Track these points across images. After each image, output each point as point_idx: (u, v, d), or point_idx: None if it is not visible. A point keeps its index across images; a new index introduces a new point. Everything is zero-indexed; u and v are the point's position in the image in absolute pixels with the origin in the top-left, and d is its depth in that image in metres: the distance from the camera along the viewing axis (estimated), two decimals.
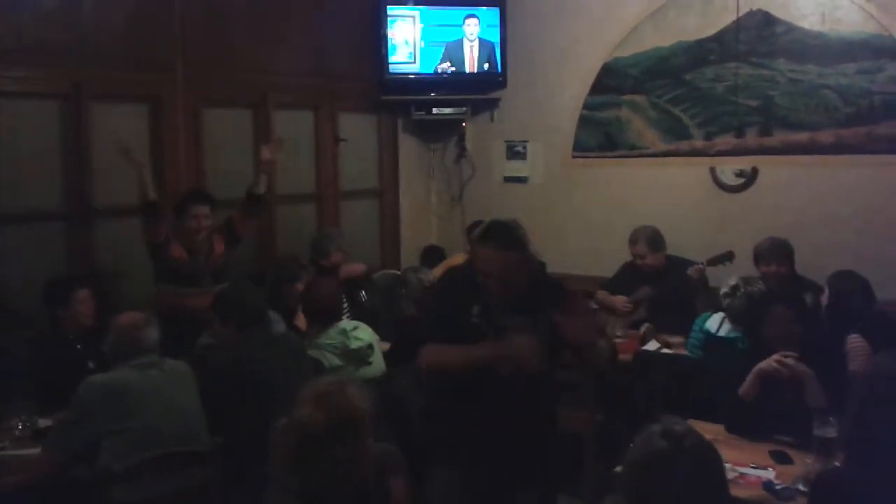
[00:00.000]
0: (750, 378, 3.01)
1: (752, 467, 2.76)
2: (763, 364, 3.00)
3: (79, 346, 3.49)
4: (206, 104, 4.56)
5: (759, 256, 4.17)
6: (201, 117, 4.53)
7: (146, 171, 3.95)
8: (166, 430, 2.86)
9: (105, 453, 2.79)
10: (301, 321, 3.96)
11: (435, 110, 5.65)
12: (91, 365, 3.24)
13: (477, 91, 5.73)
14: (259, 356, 3.17)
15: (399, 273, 5.19)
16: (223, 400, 3.05)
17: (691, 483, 1.63)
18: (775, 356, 3.00)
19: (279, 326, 3.58)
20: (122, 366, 2.94)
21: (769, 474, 2.71)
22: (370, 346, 3.80)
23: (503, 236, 2.60)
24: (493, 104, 5.77)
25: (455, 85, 5.63)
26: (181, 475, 2.83)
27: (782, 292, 3.55)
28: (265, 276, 4.38)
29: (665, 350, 4.02)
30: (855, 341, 3.39)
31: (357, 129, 5.50)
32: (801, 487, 2.55)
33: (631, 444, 1.74)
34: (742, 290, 3.66)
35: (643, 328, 4.23)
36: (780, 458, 2.84)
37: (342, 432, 1.97)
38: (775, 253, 4.12)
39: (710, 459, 1.69)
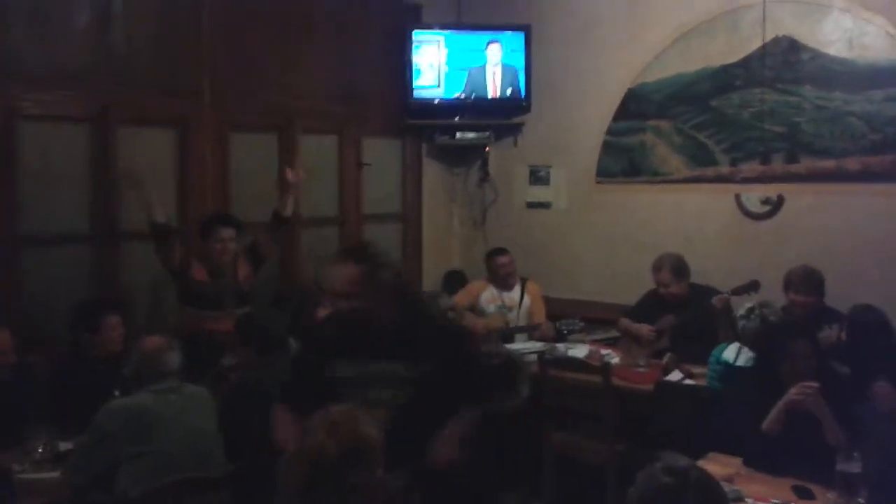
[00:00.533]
0: (774, 413, 2.97)
1: (774, 502, 2.72)
2: (787, 398, 2.96)
3: (104, 371, 3.49)
4: (233, 128, 4.61)
5: (789, 283, 4.11)
6: (228, 141, 4.58)
7: (148, 191, 3.94)
8: (184, 455, 2.88)
9: (123, 478, 2.81)
10: None
11: (458, 135, 5.67)
12: (116, 393, 3.25)
13: (501, 116, 5.74)
14: (277, 382, 3.17)
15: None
16: (240, 425, 3.06)
17: None
18: (796, 387, 2.95)
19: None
20: (142, 390, 2.96)
21: None
22: None
23: (350, 252, 2.52)
24: (517, 129, 5.77)
25: (479, 109, 5.64)
26: (197, 501, 2.83)
27: (802, 325, 3.49)
28: (288, 299, 4.39)
29: (688, 381, 3.97)
30: (882, 388, 3.31)
31: (381, 153, 5.53)
32: None
33: (633, 485, 1.74)
34: (757, 311, 3.61)
35: (666, 358, 4.18)
36: (803, 494, 2.78)
37: (353, 461, 1.97)
38: (805, 282, 4.06)
39: (714, 493, 1.69)
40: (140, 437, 2.83)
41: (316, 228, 5.11)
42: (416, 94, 5.48)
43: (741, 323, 3.64)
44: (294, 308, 4.15)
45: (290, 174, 4.31)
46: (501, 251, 5.23)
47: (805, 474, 2.86)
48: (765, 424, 2.99)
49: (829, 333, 3.84)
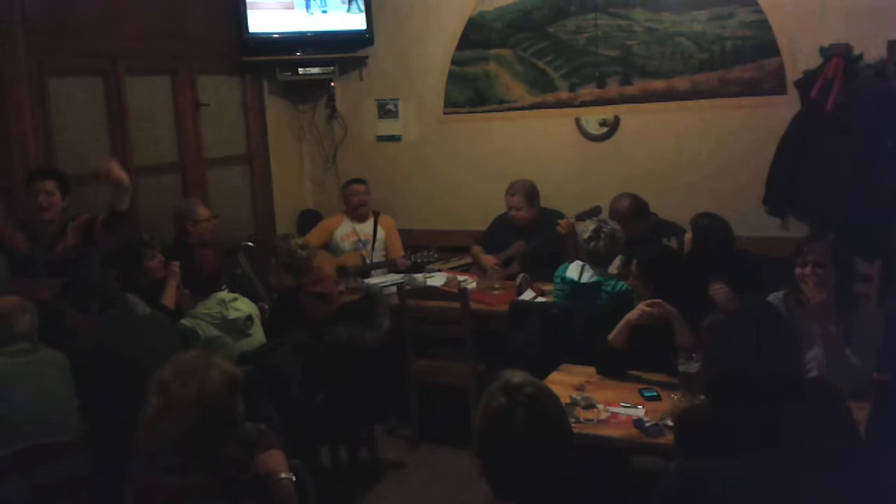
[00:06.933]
0: (619, 328, 3.14)
1: (623, 406, 2.88)
2: (631, 315, 3.13)
3: None
4: (52, 74, 4.25)
5: (614, 216, 4.29)
6: (47, 88, 4.23)
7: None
8: (32, 421, 2.75)
9: None
10: (169, 300, 3.82)
11: (301, 70, 5.51)
12: None
13: (344, 49, 5.61)
14: (123, 340, 3.05)
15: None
16: (88, 387, 2.94)
17: (529, 432, 1.71)
18: (640, 305, 3.12)
19: (141, 308, 3.45)
20: None
21: (639, 412, 2.82)
22: (249, 318, 3.73)
23: None
24: (362, 62, 5.67)
25: (321, 44, 5.49)
26: (49, 467, 2.72)
27: (639, 248, 3.66)
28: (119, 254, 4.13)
29: (539, 298, 4.12)
30: (719, 290, 3.54)
31: (219, 93, 5.27)
32: (668, 423, 2.67)
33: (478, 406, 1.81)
34: (606, 230, 3.76)
35: (518, 279, 4.32)
36: (649, 396, 2.97)
37: (233, 394, 2.00)
38: (629, 215, 4.19)
39: (547, 407, 1.76)
40: None
41: (154, 176, 4.84)
42: (253, 28, 5.26)
43: (591, 244, 3.75)
44: (121, 266, 3.89)
45: (114, 169, 3.83)
46: (358, 180, 5.22)
47: (655, 378, 3.07)
48: (611, 337, 3.16)
49: (668, 245, 4.07)
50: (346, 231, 5.14)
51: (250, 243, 4.79)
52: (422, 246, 5.01)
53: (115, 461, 2.65)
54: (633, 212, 4.23)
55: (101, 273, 3.30)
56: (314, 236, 5.12)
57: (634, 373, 3.15)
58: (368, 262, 5.03)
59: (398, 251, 5.09)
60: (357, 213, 5.15)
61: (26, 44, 4.11)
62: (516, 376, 1.79)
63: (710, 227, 3.79)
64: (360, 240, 5.11)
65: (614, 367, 3.16)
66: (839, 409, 2.17)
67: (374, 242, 5.11)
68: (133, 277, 3.77)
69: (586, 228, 3.78)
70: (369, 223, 5.17)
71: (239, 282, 4.32)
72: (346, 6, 5.41)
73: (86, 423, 2.91)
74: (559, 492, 1.72)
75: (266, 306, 4.05)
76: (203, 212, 4.44)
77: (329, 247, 5.11)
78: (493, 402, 1.74)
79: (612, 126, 4.98)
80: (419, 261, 4.79)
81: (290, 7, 5.34)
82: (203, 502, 1.94)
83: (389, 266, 4.97)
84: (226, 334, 3.63)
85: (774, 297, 3.12)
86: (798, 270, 3.00)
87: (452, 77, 5.41)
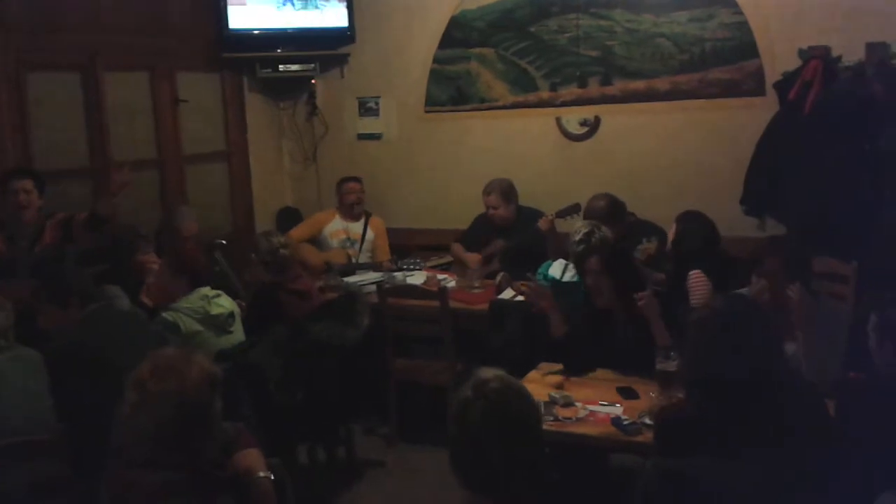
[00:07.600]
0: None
1: (602, 404, 2.89)
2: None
3: None
4: (29, 68, 4.21)
5: (587, 216, 4.30)
6: (24, 83, 4.18)
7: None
8: (10, 418, 2.72)
9: None
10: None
11: (282, 67, 5.48)
12: None
13: (325, 46, 5.59)
14: (101, 337, 3.01)
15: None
16: (65, 385, 2.90)
17: (486, 422, 1.74)
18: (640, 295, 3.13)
19: (122, 301, 3.42)
20: None
21: (617, 410, 2.83)
22: (231, 315, 3.70)
23: None
24: (343, 60, 5.65)
25: (301, 40, 5.46)
26: (27, 464, 2.69)
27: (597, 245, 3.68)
28: (103, 249, 4.12)
29: (519, 297, 4.12)
30: (696, 276, 3.56)
31: (198, 89, 5.23)
32: (646, 421, 2.68)
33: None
34: (598, 235, 3.75)
35: (498, 277, 4.33)
36: (627, 394, 2.98)
37: (212, 391, 1.98)
38: (607, 216, 4.16)
39: (507, 402, 1.77)
40: None
41: (133, 173, 4.79)
42: (233, 24, 5.22)
43: (580, 247, 3.72)
44: (111, 257, 3.88)
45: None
46: (352, 178, 5.20)
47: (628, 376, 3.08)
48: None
49: (647, 246, 4.09)
50: (336, 228, 5.12)
51: (223, 241, 4.76)
52: (409, 251, 5.02)
53: (92, 460, 2.62)
54: (610, 212, 4.22)
55: (77, 269, 3.26)
56: (303, 229, 5.10)
57: (611, 372, 3.17)
58: (354, 261, 5.01)
59: (385, 254, 5.07)
60: (351, 212, 5.13)
61: (3, 38, 4.07)
62: (489, 373, 1.81)
63: (689, 226, 3.80)
64: (348, 238, 5.10)
65: (578, 363, 3.17)
66: (817, 407, 2.20)
67: (362, 243, 5.09)
68: (123, 270, 3.74)
69: (578, 230, 3.75)
70: (360, 223, 5.15)
71: (217, 280, 4.29)
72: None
73: (62, 421, 2.88)
74: (528, 486, 1.74)
75: (244, 304, 4.02)
76: (190, 228, 4.41)
77: (316, 241, 5.09)
78: (460, 394, 1.78)
79: (593, 126, 5.00)
80: (404, 267, 4.78)
81: (271, 3, 5.32)
82: (180, 501, 1.92)
83: (374, 268, 4.94)
84: (207, 329, 3.60)
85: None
86: (754, 279, 3.15)
87: (434, 75, 5.41)
